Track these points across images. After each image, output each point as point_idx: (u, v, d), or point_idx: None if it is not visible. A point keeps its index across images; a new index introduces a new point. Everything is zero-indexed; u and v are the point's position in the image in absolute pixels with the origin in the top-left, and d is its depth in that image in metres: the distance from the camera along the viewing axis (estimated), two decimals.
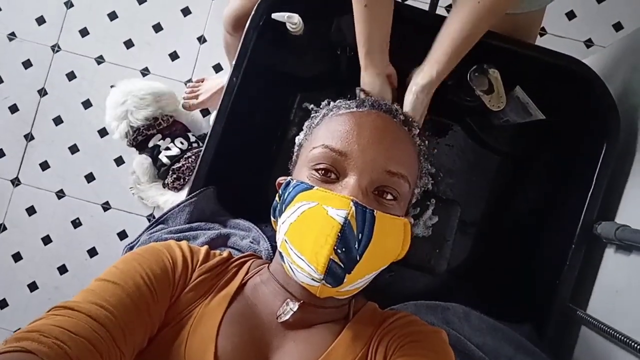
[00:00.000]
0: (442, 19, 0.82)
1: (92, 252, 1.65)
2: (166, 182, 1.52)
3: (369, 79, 0.82)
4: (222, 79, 1.61)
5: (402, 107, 0.80)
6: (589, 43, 1.64)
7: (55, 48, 1.70)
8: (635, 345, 0.68)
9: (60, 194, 1.67)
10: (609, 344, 0.77)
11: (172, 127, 1.55)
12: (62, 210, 1.66)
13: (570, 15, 1.65)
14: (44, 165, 1.68)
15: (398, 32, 0.84)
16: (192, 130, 1.61)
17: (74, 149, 1.67)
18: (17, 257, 1.66)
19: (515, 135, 1.01)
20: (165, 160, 1.50)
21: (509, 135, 1.02)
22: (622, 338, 0.71)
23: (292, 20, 0.89)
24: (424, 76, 0.80)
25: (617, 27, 1.64)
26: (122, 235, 1.65)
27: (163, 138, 1.52)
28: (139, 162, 1.54)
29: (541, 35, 1.63)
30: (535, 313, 0.85)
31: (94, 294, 0.54)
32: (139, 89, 1.50)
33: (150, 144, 1.52)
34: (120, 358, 0.51)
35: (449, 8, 1.58)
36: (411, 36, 0.86)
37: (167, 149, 1.52)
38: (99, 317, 0.51)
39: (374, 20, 0.80)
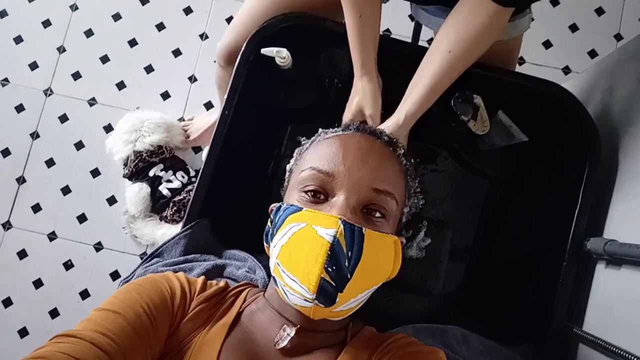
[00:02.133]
0: (424, 50, 0.87)
1: (85, 294, 1.63)
2: (164, 214, 1.52)
3: (364, 86, 0.87)
4: (212, 117, 1.64)
5: None
6: (566, 70, 1.70)
7: (48, 92, 1.73)
8: (634, 358, 0.69)
9: (52, 236, 1.66)
10: (607, 359, 0.77)
11: (173, 160, 1.58)
12: (54, 252, 1.65)
13: (547, 44, 1.72)
14: (36, 208, 1.67)
15: (383, 63, 0.88)
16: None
17: (66, 190, 1.68)
18: (7, 302, 1.63)
19: (502, 159, 1.04)
20: (165, 192, 1.51)
21: (495, 159, 1.04)
22: (620, 352, 0.71)
23: (280, 55, 0.92)
24: (395, 117, 0.86)
25: (592, 54, 1.71)
26: (115, 275, 1.63)
27: (165, 169, 1.54)
28: (134, 190, 1.54)
29: (520, 64, 1.70)
30: (532, 333, 0.85)
31: (95, 323, 0.54)
32: (154, 116, 1.56)
33: (151, 174, 1.53)
34: None
35: (430, 41, 1.64)
36: (395, 67, 0.91)
37: (169, 181, 1.53)
38: (102, 344, 0.51)
39: (368, 31, 0.88)
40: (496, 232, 1.03)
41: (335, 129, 0.76)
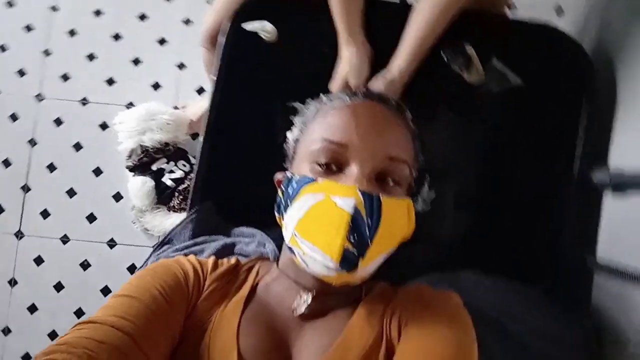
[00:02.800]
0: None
1: (106, 291, 1.65)
2: (171, 204, 1.53)
3: (351, 53, 0.85)
4: (204, 102, 1.63)
5: None
6: (559, 10, 1.67)
7: (39, 97, 1.72)
8: None
9: (64, 239, 1.67)
10: (624, 284, 0.78)
11: (175, 151, 1.58)
12: (69, 254, 1.67)
13: None
14: (45, 214, 1.68)
15: (372, 25, 0.86)
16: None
17: (71, 193, 1.69)
18: (32, 308, 1.66)
19: (500, 105, 1.02)
20: (169, 183, 1.52)
21: (494, 106, 1.03)
22: (636, 275, 0.71)
23: (264, 29, 0.91)
24: (389, 74, 0.85)
25: None
26: (132, 269, 1.65)
27: (167, 162, 1.55)
28: (138, 184, 1.54)
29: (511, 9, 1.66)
30: (546, 270, 0.86)
31: (113, 309, 0.55)
32: (165, 112, 1.54)
33: (154, 167, 1.54)
34: None
35: None
36: (386, 31, 0.89)
37: (171, 171, 1.53)
38: (122, 326, 0.53)
39: None
40: (501, 176, 1.03)
41: (341, 95, 0.74)
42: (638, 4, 0.93)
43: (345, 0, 0.85)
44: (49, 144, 1.71)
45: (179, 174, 1.53)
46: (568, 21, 1.37)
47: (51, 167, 1.70)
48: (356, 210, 0.57)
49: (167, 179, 1.52)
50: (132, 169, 1.57)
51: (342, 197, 0.58)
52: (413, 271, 0.81)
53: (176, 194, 1.52)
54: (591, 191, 0.87)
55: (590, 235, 0.87)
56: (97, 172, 1.69)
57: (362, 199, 0.58)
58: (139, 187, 1.54)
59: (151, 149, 1.52)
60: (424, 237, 0.97)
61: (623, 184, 0.79)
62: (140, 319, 0.55)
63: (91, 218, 1.68)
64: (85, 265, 1.66)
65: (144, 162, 1.53)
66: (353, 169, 0.62)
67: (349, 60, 0.87)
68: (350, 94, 0.72)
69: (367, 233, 0.58)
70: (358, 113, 0.66)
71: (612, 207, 0.85)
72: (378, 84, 0.85)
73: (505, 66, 0.96)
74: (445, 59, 0.93)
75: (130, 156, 1.55)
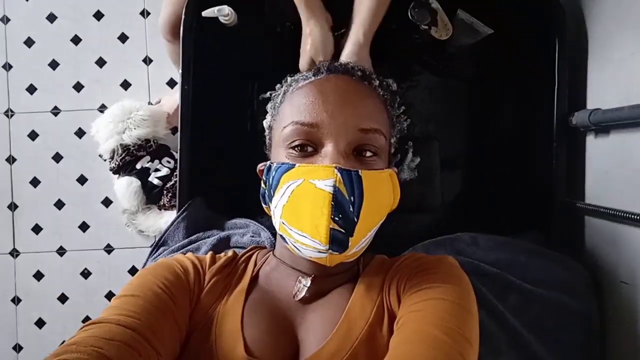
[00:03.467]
0: None
1: (110, 296, 1.66)
2: (162, 203, 1.52)
3: (313, 29, 0.84)
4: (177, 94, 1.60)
5: None
6: None
7: (9, 113, 1.67)
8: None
9: (61, 251, 1.67)
10: (615, 225, 0.79)
11: (158, 148, 1.55)
12: (68, 265, 1.67)
13: None
14: (37, 229, 1.67)
15: None
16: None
17: (60, 205, 1.67)
18: (40, 323, 1.67)
19: (473, 57, 1.02)
20: (156, 182, 1.50)
21: (467, 58, 1.02)
22: (625, 215, 0.73)
23: (223, 13, 0.89)
24: (352, 41, 0.83)
25: None
26: (133, 271, 1.66)
27: (151, 160, 1.52)
28: (124, 185, 1.52)
29: None
30: (537, 218, 0.87)
31: (117, 308, 0.56)
32: (141, 108, 1.50)
33: (139, 166, 1.51)
34: (157, 358, 0.53)
35: None
36: None
37: (157, 170, 1.51)
38: (128, 323, 0.53)
39: None
40: (483, 132, 1.04)
41: (306, 74, 0.73)
42: None
43: None
44: (27, 159, 1.68)
45: (164, 171, 1.51)
46: None
47: (34, 182, 1.67)
48: (336, 189, 0.57)
49: (153, 178, 1.50)
50: (115, 170, 1.54)
51: (321, 179, 0.58)
52: (409, 241, 0.81)
53: (165, 191, 1.51)
54: (574, 135, 0.88)
55: (578, 180, 0.88)
56: (82, 180, 1.67)
57: (341, 177, 0.58)
58: (125, 187, 1.51)
59: (132, 146, 1.49)
60: (415, 206, 0.98)
61: (603, 124, 0.79)
62: (145, 314, 0.55)
63: (84, 227, 1.67)
64: (86, 274, 1.67)
65: (127, 161, 1.51)
66: (328, 148, 0.61)
67: (312, 35, 0.85)
68: (315, 71, 0.71)
69: (352, 210, 0.58)
70: (324, 89, 0.65)
71: (597, 149, 0.86)
72: (347, 54, 0.83)
73: (472, 17, 0.95)
74: (412, 18, 0.92)
75: (112, 157, 1.53)
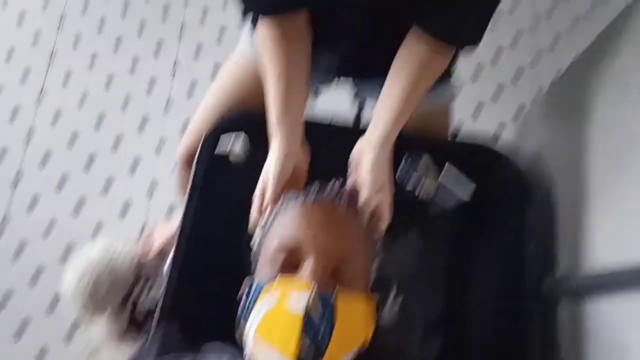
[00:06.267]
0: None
1: None
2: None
3: (272, 149, 0.82)
4: (172, 223, 1.62)
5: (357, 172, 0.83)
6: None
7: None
8: None
9: None
10: None
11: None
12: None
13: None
14: None
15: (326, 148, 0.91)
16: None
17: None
18: None
19: (455, 224, 1.05)
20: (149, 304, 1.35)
21: (448, 221, 1.06)
22: None
23: (233, 152, 0.96)
24: (378, 132, 0.79)
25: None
26: None
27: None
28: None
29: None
30: None
31: None
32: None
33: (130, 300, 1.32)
34: None
35: None
36: (340, 150, 0.91)
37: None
38: None
39: (290, 88, 0.81)
40: (463, 295, 1.02)
41: (295, 195, 0.78)
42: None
43: (284, 84, 0.81)
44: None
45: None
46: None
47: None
48: (308, 311, 0.60)
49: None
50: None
51: (297, 292, 0.62)
52: None
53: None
54: (547, 302, 0.90)
55: (554, 347, 0.88)
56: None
57: (316, 293, 0.61)
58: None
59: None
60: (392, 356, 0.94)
61: (574, 291, 0.83)
62: None
63: None
64: None
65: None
66: (307, 265, 0.66)
67: (270, 156, 0.82)
68: (304, 194, 0.77)
69: (322, 331, 0.60)
70: (308, 213, 0.72)
71: (570, 316, 0.88)
72: (354, 152, 0.84)
73: (455, 176, 1.00)
74: (398, 179, 0.96)
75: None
